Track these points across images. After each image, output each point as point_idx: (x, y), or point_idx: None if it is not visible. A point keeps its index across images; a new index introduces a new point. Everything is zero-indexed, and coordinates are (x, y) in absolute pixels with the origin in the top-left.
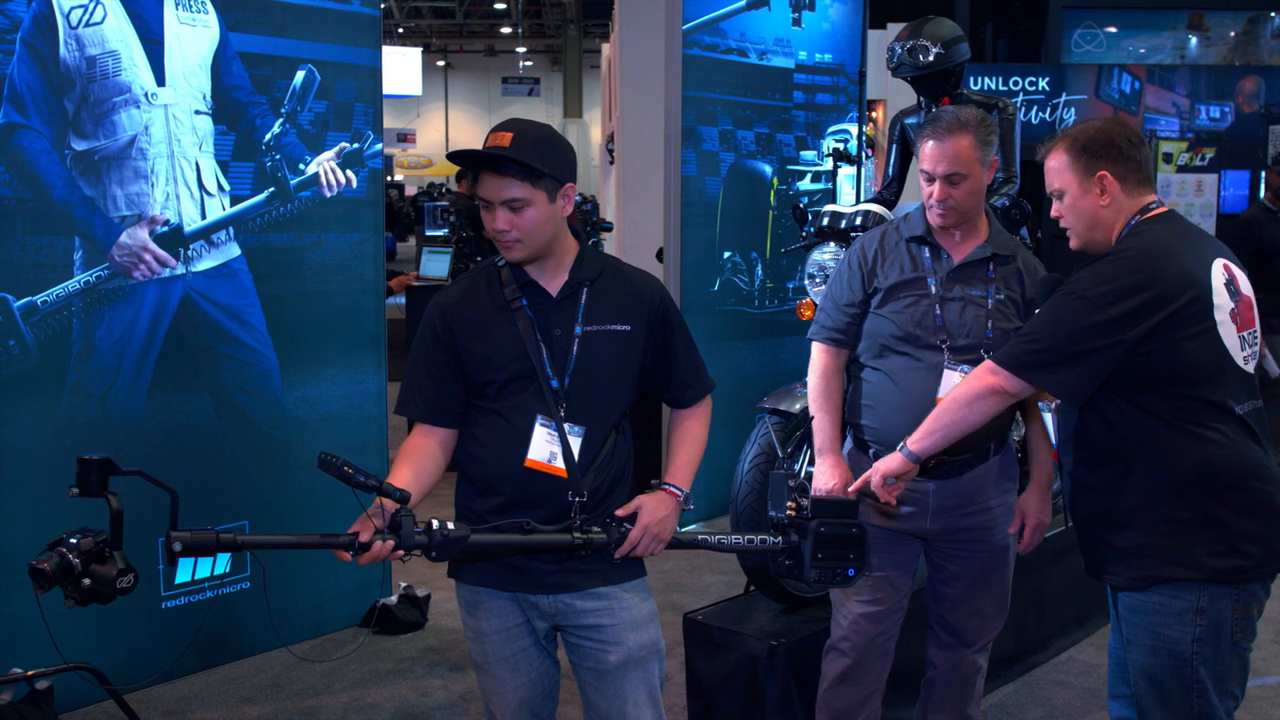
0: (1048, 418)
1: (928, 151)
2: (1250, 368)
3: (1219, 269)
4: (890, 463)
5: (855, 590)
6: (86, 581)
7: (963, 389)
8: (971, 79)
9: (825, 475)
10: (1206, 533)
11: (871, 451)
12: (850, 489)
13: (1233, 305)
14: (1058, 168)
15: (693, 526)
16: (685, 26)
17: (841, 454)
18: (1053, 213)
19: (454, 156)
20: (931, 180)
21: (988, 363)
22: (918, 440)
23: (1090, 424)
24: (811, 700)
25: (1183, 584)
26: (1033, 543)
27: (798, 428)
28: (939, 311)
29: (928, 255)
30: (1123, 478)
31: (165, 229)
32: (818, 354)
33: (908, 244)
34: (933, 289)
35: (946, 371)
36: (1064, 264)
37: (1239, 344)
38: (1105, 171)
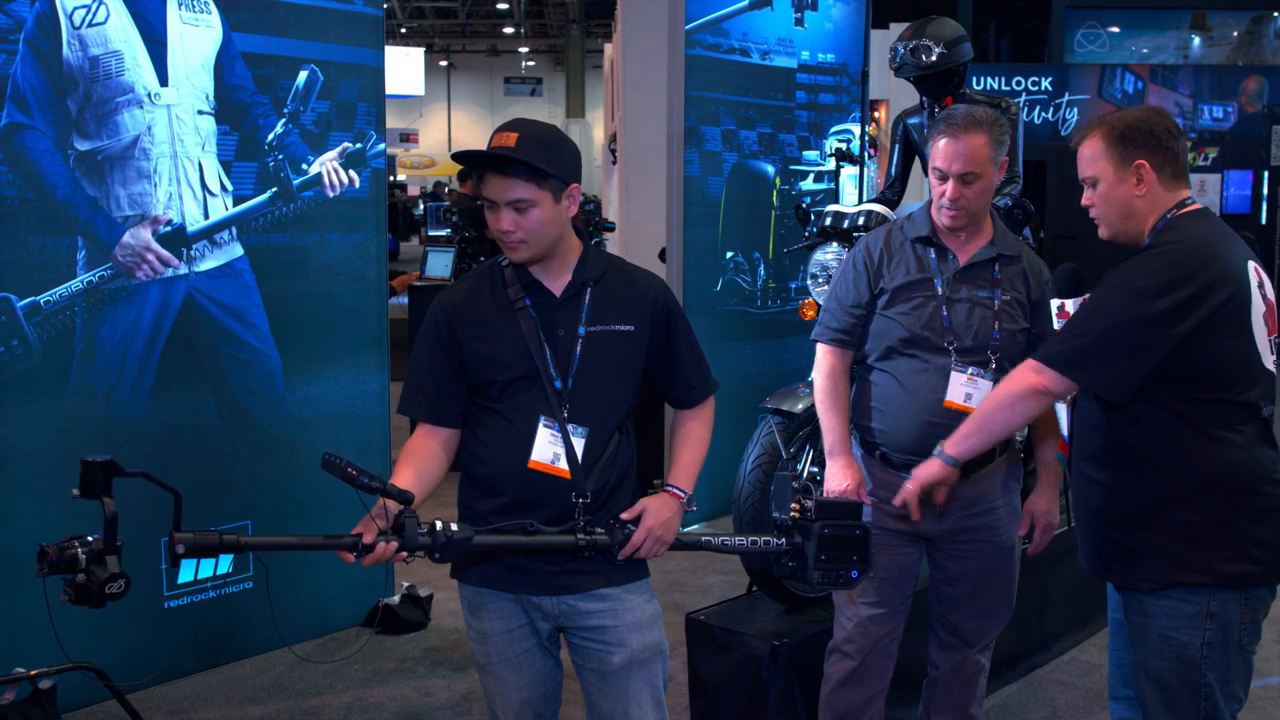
0: (1060, 410)
1: (941, 149)
2: (1275, 370)
3: (1251, 270)
4: (928, 470)
5: (859, 592)
6: (81, 578)
7: (1004, 390)
8: (974, 79)
9: (838, 476)
10: (1220, 538)
11: (878, 453)
12: (896, 501)
13: (1264, 308)
14: (1092, 155)
15: (695, 527)
16: (688, 26)
17: (853, 454)
18: (1084, 201)
19: (459, 157)
20: (944, 179)
21: (1030, 362)
22: (956, 443)
23: (1114, 421)
24: (814, 700)
25: (1192, 588)
26: (1042, 544)
27: (800, 428)
28: (946, 313)
29: (933, 256)
30: (1140, 478)
31: (168, 229)
32: (823, 355)
33: (913, 244)
34: (939, 290)
35: (954, 373)
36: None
37: (1269, 346)
38: (1143, 161)
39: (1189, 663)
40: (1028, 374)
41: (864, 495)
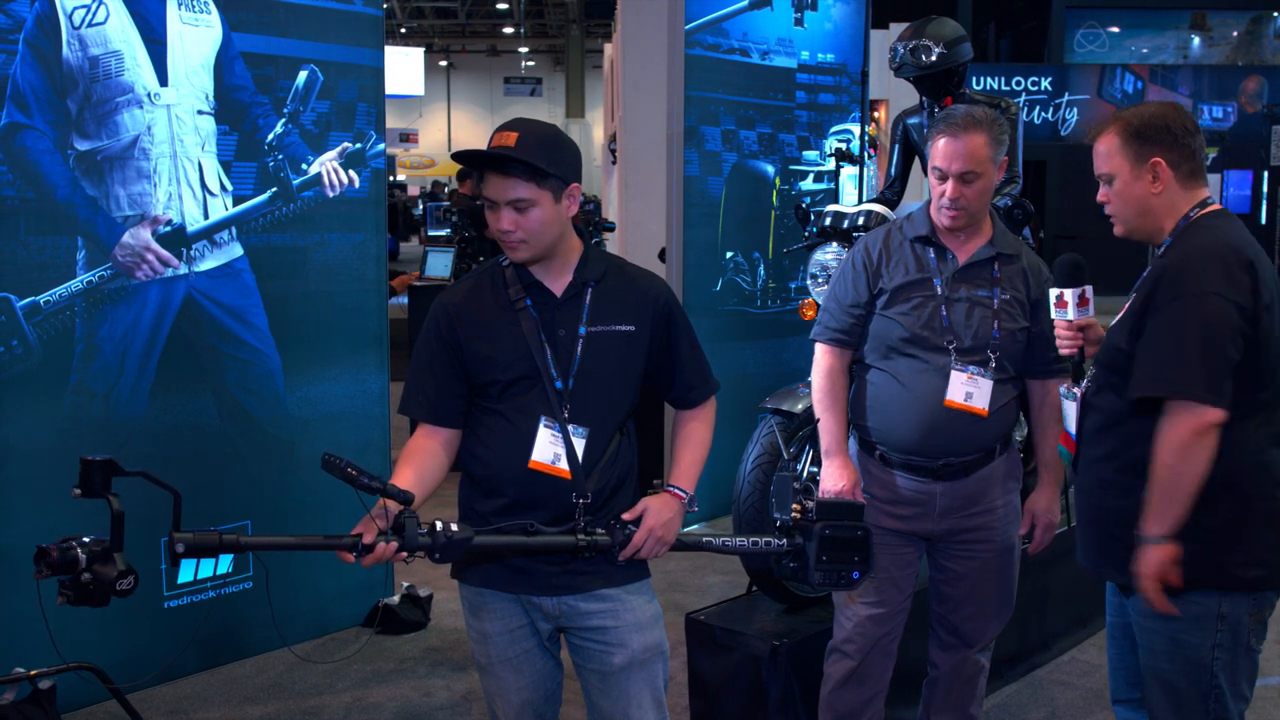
0: (1068, 405)
1: (940, 149)
2: None
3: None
4: (1150, 560)
5: (860, 592)
6: (86, 576)
7: (1167, 449)
8: (974, 79)
9: (833, 476)
10: (1232, 541)
11: (877, 453)
12: (1154, 608)
13: None
14: (1108, 152)
15: (695, 527)
16: (688, 26)
17: (849, 455)
18: (1099, 197)
19: (459, 156)
20: (944, 179)
21: (1178, 408)
22: (1156, 521)
23: (1130, 422)
24: (814, 700)
25: (1203, 590)
26: (1042, 544)
27: (800, 428)
28: (945, 313)
29: (933, 256)
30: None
31: (168, 229)
32: (822, 355)
33: (912, 244)
34: (939, 290)
35: (954, 373)
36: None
37: None
38: (1159, 158)
39: (1200, 665)
40: (1182, 421)
41: (859, 496)
